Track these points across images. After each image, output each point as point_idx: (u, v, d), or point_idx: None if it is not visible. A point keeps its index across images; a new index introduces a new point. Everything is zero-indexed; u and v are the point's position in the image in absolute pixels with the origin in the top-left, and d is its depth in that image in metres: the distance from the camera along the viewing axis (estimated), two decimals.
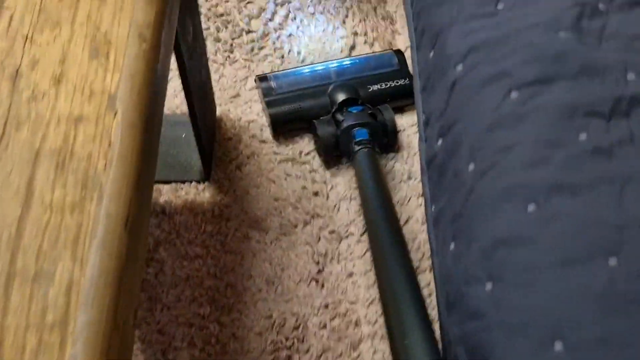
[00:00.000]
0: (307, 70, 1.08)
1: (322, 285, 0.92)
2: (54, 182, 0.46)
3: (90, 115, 0.49)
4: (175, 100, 1.07)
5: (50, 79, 0.51)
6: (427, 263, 0.92)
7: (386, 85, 1.04)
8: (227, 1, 1.19)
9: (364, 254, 0.94)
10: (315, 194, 0.99)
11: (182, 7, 0.69)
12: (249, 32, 1.15)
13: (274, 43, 1.14)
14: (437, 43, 0.62)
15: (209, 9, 1.17)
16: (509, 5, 0.58)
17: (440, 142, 0.57)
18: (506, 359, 0.44)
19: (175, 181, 0.98)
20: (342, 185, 1.00)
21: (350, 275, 0.93)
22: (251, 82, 1.10)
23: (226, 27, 1.16)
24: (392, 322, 0.80)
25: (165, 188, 0.98)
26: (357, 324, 0.89)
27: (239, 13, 1.17)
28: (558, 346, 0.42)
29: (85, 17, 0.55)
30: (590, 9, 0.57)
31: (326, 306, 0.91)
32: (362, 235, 0.95)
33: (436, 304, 0.58)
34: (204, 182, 0.98)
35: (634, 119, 0.50)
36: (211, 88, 0.99)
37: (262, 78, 1.06)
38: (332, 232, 0.96)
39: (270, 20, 1.17)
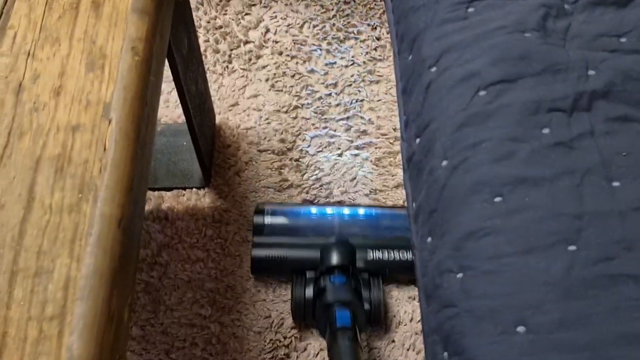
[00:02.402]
0: (309, 212, 0.96)
1: None
2: (53, 186, 0.50)
3: (87, 124, 0.53)
4: (177, 110, 1.11)
5: (50, 92, 0.55)
6: None
7: (389, 256, 0.90)
8: (226, 14, 1.23)
9: None
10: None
11: (175, 20, 0.73)
12: (246, 42, 1.19)
13: (271, 52, 1.18)
14: (414, 47, 0.65)
15: (209, 22, 1.22)
16: (478, 9, 0.61)
17: (417, 141, 0.60)
18: (475, 344, 0.47)
19: (177, 188, 1.02)
20: None
21: None
22: (249, 91, 1.14)
23: (225, 39, 1.20)
24: None
25: (167, 195, 1.02)
26: None
27: (237, 25, 1.22)
28: (521, 329, 0.45)
29: (83, 33, 0.59)
30: (556, 10, 0.60)
31: None
32: None
33: (418, 297, 0.61)
34: (204, 189, 1.02)
35: (594, 113, 0.53)
36: (209, 97, 1.02)
37: (258, 210, 0.96)
38: None
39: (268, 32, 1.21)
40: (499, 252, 0.48)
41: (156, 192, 1.02)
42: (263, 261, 0.92)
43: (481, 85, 0.55)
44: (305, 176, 1.04)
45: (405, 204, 0.62)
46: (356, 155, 1.06)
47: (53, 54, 0.57)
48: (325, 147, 1.07)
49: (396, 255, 0.90)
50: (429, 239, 0.57)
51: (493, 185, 0.51)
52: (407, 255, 0.90)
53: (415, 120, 0.61)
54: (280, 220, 0.95)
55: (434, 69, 0.59)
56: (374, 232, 0.94)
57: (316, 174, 1.04)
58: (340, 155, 1.06)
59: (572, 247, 0.47)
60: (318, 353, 0.91)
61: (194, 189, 1.02)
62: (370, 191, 1.02)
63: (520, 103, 0.53)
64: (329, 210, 0.96)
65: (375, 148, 1.07)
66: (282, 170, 1.05)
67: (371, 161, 1.05)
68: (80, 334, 0.44)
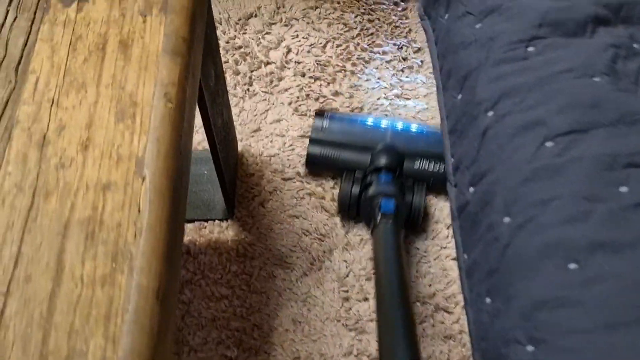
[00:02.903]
0: (365, 121, 1.03)
1: (349, 325, 0.90)
2: (84, 255, 0.45)
3: (118, 182, 0.49)
4: (196, 136, 1.06)
5: (77, 145, 0.50)
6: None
7: (435, 167, 0.95)
8: (245, 33, 1.19)
9: None
10: (343, 226, 0.98)
11: (204, 52, 0.68)
12: (267, 63, 1.15)
13: (294, 74, 1.14)
14: (465, 86, 0.61)
15: (227, 42, 1.17)
16: (539, 48, 0.56)
17: (471, 190, 0.55)
18: None
19: (199, 220, 0.98)
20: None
21: None
22: (271, 115, 1.09)
23: (245, 60, 1.15)
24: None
25: (188, 227, 0.98)
26: None
27: (257, 45, 1.17)
28: None
29: (110, 77, 0.54)
30: (625, 50, 0.55)
31: (354, 345, 0.89)
32: None
33: (472, 355, 0.56)
34: (227, 220, 0.98)
35: None
36: (233, 125, 0.98)
37: (319, 113, 1.04)
38: (361, 268, 0.94)
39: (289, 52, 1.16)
40: (577, 326, 0.44)
41: None
42: (316, 157, 0.99)
43: (548, 136, 0.51)
44: (334, 204, 0.99)
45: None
46: None
47: (79, 101, 0.53)
48: None
49: (441, 167, 0.94)
50: (488, 300, 0.52)
51: (567, 250, 0.46)
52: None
53: (470, 168, 0.56)
54: (339, 123, 1.02)
55: (490, 113, 0.55)
56: (422, 145, 0.98)
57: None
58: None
59: None
60: None
61: (217, 221, 0.98)
62: None
63: (593, 157, 0.49)
64: (384, 122, 1.02)
65: None
66: (309, 199, 1.00)
67: None
68: None
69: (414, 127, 1.02)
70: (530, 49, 0.56)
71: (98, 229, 0.46)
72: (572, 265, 0.46)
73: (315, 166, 1.01)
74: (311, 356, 0.88)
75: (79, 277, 0.44)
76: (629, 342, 0.43)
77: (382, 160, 0.96)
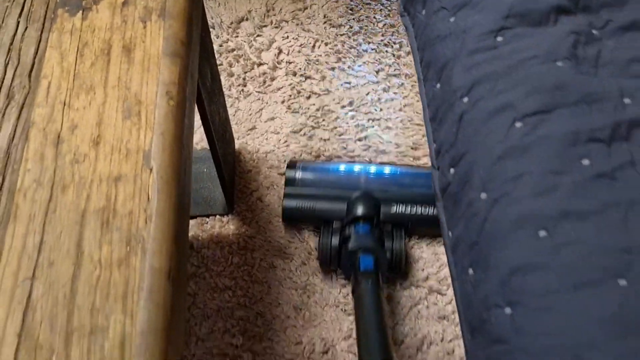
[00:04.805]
0: (338, 168, 1.02)
1: (348, 309, 0.95)
2: (101, 240, 0.50)
3: (128, 174, 0.53)
4: (195, 136, 1.11)
5: (89, 142, 0.55)
6: None
7: (413, 210, 0.96)
8: (237, 36, 1.23)
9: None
10: None
11: (200, 54, 0.73)
12: (260, 64, 1.20)
13: (285, 73, 1.18)
14: (442, 76, 0.65)
15: (221, 45, 1.22)
16: (507, 38, 0.61)
17: (452, 171, 0.60)
18: None
19: (201, 216, 1.02)
20: None
21: None
22: (266, 114, 1.14)
23: (238, 62, 1.20)
24: None
25: (191, 223, 1.02)
26: None
27: (250, 47, 1.22)
28: None
29: (116, 79, 0.59)
30: (584, 36, 0.60)
31: (353, 329, 0.94)
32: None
33: (460, 326, 0.61)
34: (227, 215, 1.02)
35: (633, 143, 0.53)
36: (230, 124, 1.02)
37: (290, 165, 1.03)
38: None
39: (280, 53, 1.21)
40: (548, 288, 0.48)
41: None
42: (292, 210, 0.98)
43: (517, 117, 0.55)
44: None
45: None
46: None
47: (89, 102, 0.57)
48: None
49: (418, 210, 0.96)
50: (471, 271, 0.57)
51: (537, 220, 0.51)
52: (429, 210, 0.96)
53: (449, 151, 0.61)
54: (311, 174, 1.01)
55: (465, 100, 0.60)
56: (397, 188, 0.99)
57: None
58: None
59: (622, 282, 0.47)
60: None
61: (218, 216, 1.02)
62: None
63: (559, 134, 0.53)
64: (357, 167, 1.01)
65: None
66: None
67: None
68: None
69: (387, 170, 1.01)
70: (499, 38, 0.60)
71: (112, 217, 0.51)
72: (542, 233, 0.50)
73: (293, 220, 1.00)
74: (312, 341, 0.93)
75: (97, 261, 0.49)
76: (595, 301, 0.47)
77: (359, 210, 0.94)
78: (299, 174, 1.01)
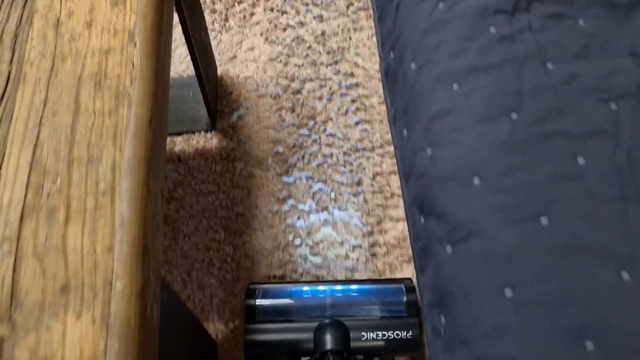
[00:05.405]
0: (301, 291, 0.94)
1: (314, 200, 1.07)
2: (94, 96, 0.61)
3: (116, 48, 0.64)
4: (181, 65, 1.22)
5: (83, 24, 0.66)
6: None
7: (383, 335, 0.89)
8: None
9: (353, 161, 1.09)
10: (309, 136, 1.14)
11: None
12: (240, 2, 1.30)
13: (263, 9, 1.29)
14: None
15: None
16: None
17: (392, 54, 0.71)
18: (442, 201, 0.58)
19: (187, 132, 1.14)
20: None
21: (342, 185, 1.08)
22: (245, 45, 1.25)
23: (220, 0, 1.30)
24: None
25: (178, 139, 1.14)
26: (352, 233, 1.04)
27: None
28: (476, 180, 0.57)
29: None
30: None
31: (320, 220, 1.06)
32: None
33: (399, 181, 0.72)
34: (211, 132, 1.14)
35: (532, 12, 0.64)
36: (211, 48, 1.13)
37: (249, 291, 0.93)
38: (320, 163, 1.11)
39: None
40: (458, 125, 0.60)
41: (168, 138, 1.14)
42: (257, 346, 0.91)
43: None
44: (301, 115, 1.15)
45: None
46: (345, 95, 1.17)
47: None
48: (317, 89, 1.18)
49: (390, 334, 0.90)
50: (405, 132, 0.68)
51: (451, 76, 0.62)
52: (402, 334, 0.90)
53: (390, 37, 0.72)
54: (272, 302, 0.93)
55: None
56: (365, 312, 0.93)
57: (310, 113, 1.15)
58: (331, 95, 1.17)
59: (514, 115, 0.58)
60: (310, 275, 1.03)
61: (202, 132, 1.14)
62: (360, 120, 1.14)
63: (472, 9, 0.65)
64: (321, 287, 0.95)
65: (363, 88, 1.18)
66: (280, 112, 1.16)
67: (358, 99, 1.16)
68: (128, 203, 0.56)
69: (354, 287, 0.95)
70: None
71: (104, 79, 0.62)
72: (455, 86, 0.61)
73: (257, 356, 0.91)
74: (287, 237, 1.05)
75: (92, 111, 0.60)
76: (492, 130, 0.59)
77: (327, 344, 0.87)
78: (259, 303, 0.92)
